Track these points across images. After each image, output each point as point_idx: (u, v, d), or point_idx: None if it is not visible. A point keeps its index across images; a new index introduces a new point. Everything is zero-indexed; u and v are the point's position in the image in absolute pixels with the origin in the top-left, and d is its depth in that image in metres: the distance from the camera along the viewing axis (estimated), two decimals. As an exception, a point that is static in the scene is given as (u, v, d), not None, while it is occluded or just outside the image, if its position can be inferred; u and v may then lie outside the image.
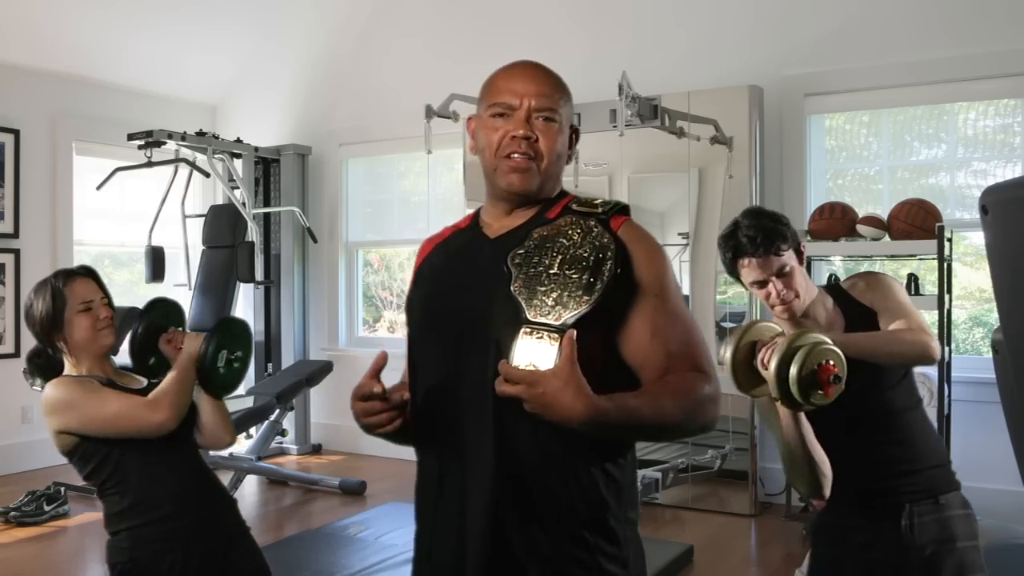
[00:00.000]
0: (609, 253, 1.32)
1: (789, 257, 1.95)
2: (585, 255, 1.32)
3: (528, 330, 1.28)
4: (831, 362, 1.66)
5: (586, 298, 1.29)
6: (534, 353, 1.26)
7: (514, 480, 1.32)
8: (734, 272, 2.01)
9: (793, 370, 1.64)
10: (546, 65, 1.46)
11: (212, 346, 2.12)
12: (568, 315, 1.28)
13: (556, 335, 1.26)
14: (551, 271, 1.32)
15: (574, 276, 1.31)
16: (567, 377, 1.21)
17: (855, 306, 2.02)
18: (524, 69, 1.44)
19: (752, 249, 1.93)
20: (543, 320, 1.28)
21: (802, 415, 1.84)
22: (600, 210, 1.39)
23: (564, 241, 1.35)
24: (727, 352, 1.80)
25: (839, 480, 1.95)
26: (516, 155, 1.38)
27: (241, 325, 2.30)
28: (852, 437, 1.96)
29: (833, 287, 2.08)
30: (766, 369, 1.71)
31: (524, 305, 1.30)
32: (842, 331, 1.98)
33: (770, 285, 1.95)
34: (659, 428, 1.34)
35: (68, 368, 2.08)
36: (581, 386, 1.22)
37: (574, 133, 1.46)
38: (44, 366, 2.10)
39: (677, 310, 1.37)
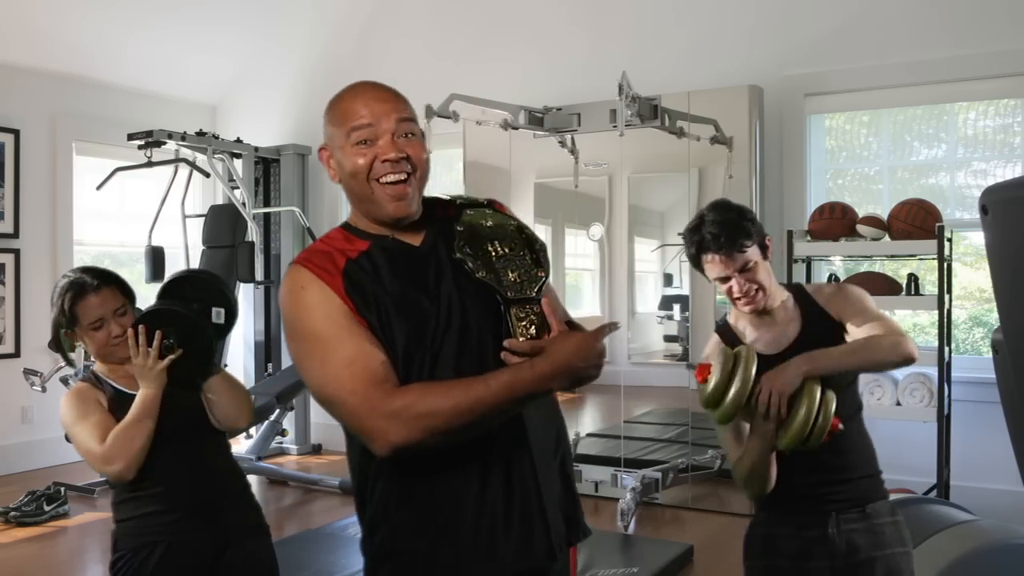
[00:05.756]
0: (527, 230, 1.48)
1: (753, 252, 1.93)
2: (514, 235, 1.46)
3: (516, 307, 1.36)
4: (836, 414, 1.79)
5: (541, 272, 1.42)
6: (527, 326, 1.35)
7: (550, 442, 1.47)
8: (699, 266, 1.99)
9: (819, 422, 1.77)
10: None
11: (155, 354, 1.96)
12: (536, 287, 1.40)
13: (535, 307, 1.37)
14: (498, 253, 1.41)
15: (520, 254, 1.43)
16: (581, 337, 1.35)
17: (816, 309, 2.00)
18: (373, 90, 1.46)
19: (716, 246, 1.91)
20: (522, 296, 1.37)
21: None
22: (483, 200, 1.51)
23: (484, 229, 1.45)
24: (732, 387, 1.78)
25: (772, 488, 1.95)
26: (392, 178, 1.41)
27: (163, 311, 2.01)
28: None
29: (796, 287, 2.08)
30: (775, 416, 1.80)
31: (497, 286, 1.37)
32: (798, 331, 1.97)
33: (732, 281, 1.94)
34: None
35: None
36: None
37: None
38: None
39: None
